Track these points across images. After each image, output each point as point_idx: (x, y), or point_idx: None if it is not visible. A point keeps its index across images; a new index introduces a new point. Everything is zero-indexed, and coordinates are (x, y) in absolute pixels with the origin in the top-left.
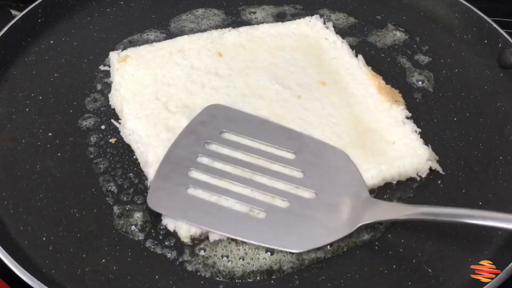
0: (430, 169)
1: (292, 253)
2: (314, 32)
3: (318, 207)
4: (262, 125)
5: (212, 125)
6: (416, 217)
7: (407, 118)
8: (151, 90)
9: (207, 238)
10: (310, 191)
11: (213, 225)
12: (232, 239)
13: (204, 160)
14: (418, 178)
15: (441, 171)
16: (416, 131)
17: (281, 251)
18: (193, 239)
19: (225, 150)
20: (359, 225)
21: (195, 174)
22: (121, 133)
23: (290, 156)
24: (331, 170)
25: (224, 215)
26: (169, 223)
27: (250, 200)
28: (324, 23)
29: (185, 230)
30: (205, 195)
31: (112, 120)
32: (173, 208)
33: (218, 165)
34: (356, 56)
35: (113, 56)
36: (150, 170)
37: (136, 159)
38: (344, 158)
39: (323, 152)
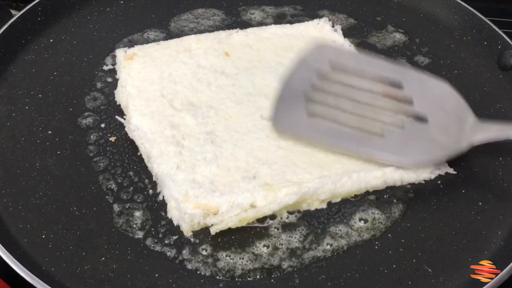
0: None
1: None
2: (322, 35)
3: (431, 129)
4: (368, 59)
5: (322, 58)
6: None
7: None
8: (157, 88)
9: (208, 234)
10: (422, 116)
11: (336, 143)
12: (231, 236)
13: (319, 91)
14: (424, 182)
15: (452, 172)
16: None
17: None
18: (194, 233)
19: (337, 85)
20: (472, 144)
21: (313, 105)
22: (125, 129)
23: (398, 87)
24: (437, 97)
25: (345, 135)
26: (174, 216)
27: (368, 123)
28: (333, 26)
29: (188, 224)
30: (325, 121)
31: (117, 116)
32: (298, 130)
33: (333, 97)
34: None
35: (120, 53)
36: (154, 165)
37: (136, 158)
38: (447, 86)
39: (428, 82)
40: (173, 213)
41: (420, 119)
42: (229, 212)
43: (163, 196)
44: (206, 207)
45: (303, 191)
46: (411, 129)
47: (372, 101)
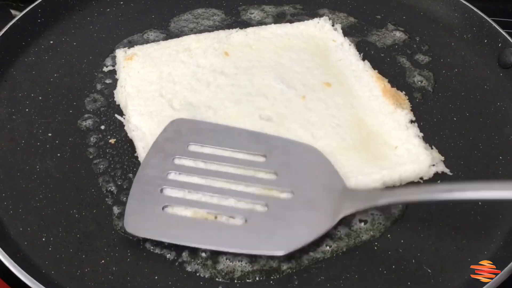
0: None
1: (278, 256)
2: (322, 34)
3: (296, 205)
4: (228, 133)
5: (178, 140)
6: (395, 201)
7: (411, 122)
8: (156, 87)
9: None
10: (286, 191)
11: (194, 241)
12: None
13: (175, 176)
14: (422, 181)
15: (448, 173)
16: (419, 136)
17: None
18: None
19: (194, 163)
20: (340, 217)
21: (169, 191)
22: (125, 128)
23: (260, 159)
24: (304, 167)
25: (204, 229)
26: None
27: (227, 210)
28: (333, 25)
29: None
30: (182, 211)
31: (116, 115)
32: (152, 230)
33: (190, 178)
34: (363, 60)
35: (120, 53)
36: None
37: (136, 159)
38: (316, 153)
39: (294, 150)
40: None
41: (286, 193)
42: None
43: None
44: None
45: None
46: (274, 209)
47: (232, 181)
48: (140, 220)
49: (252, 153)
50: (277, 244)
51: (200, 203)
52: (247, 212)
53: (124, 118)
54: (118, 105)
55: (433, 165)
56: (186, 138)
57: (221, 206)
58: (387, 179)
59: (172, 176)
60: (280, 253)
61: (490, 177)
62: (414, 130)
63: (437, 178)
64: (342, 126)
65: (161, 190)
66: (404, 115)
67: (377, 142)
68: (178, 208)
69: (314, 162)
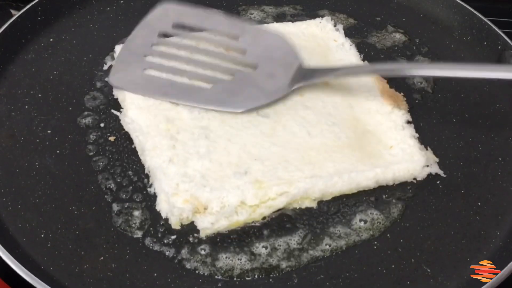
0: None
1: (236, 113)
2: (324, 34)
3: (258, 76)
4: (209, 16)
5: (165, 19)
6: (341, 75)
7: (408, 122)
8: None
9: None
10: (251, 67)
11: (167, 96)
12: (230, 236)
13: (157, 47)
14: (415, 181)
15: (442, 174)
16: (414, 136)
17: None
18: (193, 233)
19: (176, 39)
20: (293, 88)
21: (151, 58)
22: (121, 121)
23: (233, 40)
24: (269, 48)
25: (176, 88)
26: (162, 209)
27: (198, 76)
28: (335, 25)
29: (176, 218)
30: (160, 74)
31: (112, 110)
32: (133, 86)
33: (170, 50)
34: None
35: (119, 48)
36: (147, 157)
37: (135, 157)
38: (282, 38)
39: (263, 35)
40: (162, 205)
41: (251, 68)
42: (220, 214)
43: (155, 189)
44: (196, 203)
45: (293, 192)
46: (239, 78)
47: (206, 55)
48: (123, 77)
49: (227, 35)
50: (238, 104)
51: (174, 69)
52: (214, 78)
53: (120, 112)
54: (118, 103)
55: (427, 166)
56: (172, 18)
57: (193, 73)
58: (380, 177)
59: (155, 47)
60: (239, 110)
61: (490, 178)
62: (410, 130)
63: (431, 179)
64: (338, 124)
65: (144, 56)
66: (401, 115)
67: (373, 141)
68: (156, 72)
69: (279, 45)
